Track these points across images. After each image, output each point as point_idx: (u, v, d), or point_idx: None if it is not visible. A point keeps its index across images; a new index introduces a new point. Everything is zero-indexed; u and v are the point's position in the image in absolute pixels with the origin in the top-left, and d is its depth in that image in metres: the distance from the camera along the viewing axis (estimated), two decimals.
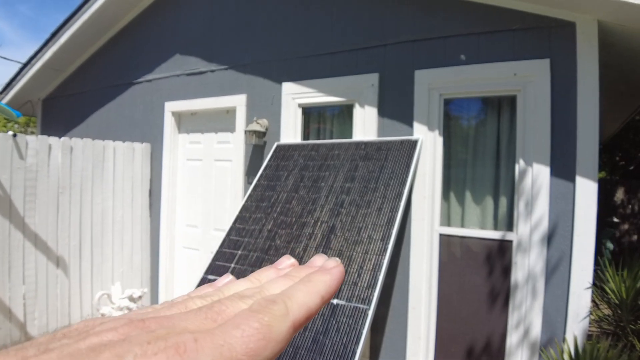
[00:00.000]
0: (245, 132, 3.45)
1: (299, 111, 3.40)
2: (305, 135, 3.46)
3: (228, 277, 0.30)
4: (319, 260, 0.30)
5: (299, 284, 0.26)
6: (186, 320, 0.21)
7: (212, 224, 4.00)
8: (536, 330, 2.45)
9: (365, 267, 2.29)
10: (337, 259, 0.29)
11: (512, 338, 2.54)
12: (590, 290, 2.30)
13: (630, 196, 7.31)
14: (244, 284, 0.27)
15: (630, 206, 7.28)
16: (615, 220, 6.67)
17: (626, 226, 7.15)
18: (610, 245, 5.44)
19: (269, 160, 3.30)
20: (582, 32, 2.38)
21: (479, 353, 2.65)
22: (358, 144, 2.97)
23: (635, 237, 7.14)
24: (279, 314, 0.22)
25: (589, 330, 2.35)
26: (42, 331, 3.45)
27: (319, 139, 3.41)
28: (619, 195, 7.37)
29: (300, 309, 0.23)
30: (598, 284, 2.46)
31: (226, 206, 3.85)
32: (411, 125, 2.88)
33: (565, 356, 2.06)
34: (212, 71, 3.89)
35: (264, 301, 0.23)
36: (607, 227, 6.11)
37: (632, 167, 9.87)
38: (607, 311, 2.56)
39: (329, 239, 2.53)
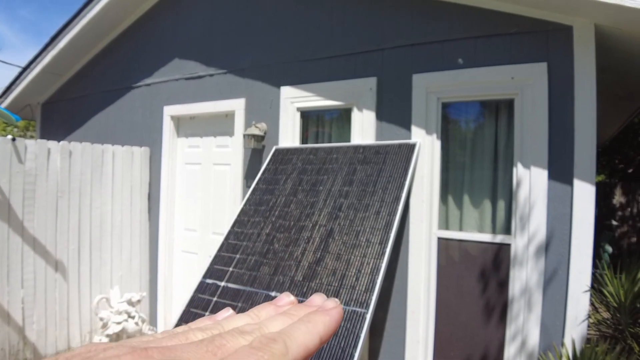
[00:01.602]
0: (244, 136, 3.46)
1: (298, 115, 3.41)
2: (304, 139, 3.47)
3: (228, 312, 0.30)
4: (317, 299, 0.30)
5: (298, 324, 0.26)
6: (188, 352, 0.21)
7: (210, 227, 3.99)
8: (534, 334, 2.44)
9: (363, 271, 2.29)
10: (337, 299, 0.30)
11: (510, 342, 2.53)
12: (588, 294, 2.30)
13: (629, 199, 7.32)
14: (243, 319, 0.28)
15: (629, 209, 7.28)
16: (614, 223, 6.66)
17: (625, 229, 7.15)
18: (609, 249, 5.43)
19: (268, 164, 3.30)
20: (579, 35, 2.39)
21: (477, 357, 2.64)
22: (356, 148, 2.97)
23: (634, 239, 7.14)
24: (278, 352, 0.22)
25: (588, 334, 2.35)
26: (40, 335, 3.44)
27: (317, 142, 3.42)
28: (618, 197, 7.38)
29: (298, 349, 0.24)
30: (596, 287, 2.46)
31: (225, 210, 3.85)
32: (409, 129, 2.88)
33: None
34: (211, 75, 3.90)
35: (264, 339, 0.23)
36: (606, 230, 6.11)
37: (631, 170, 9.88)
38: (605, 314, 2.56)
39: (327, 243, 2.53)
